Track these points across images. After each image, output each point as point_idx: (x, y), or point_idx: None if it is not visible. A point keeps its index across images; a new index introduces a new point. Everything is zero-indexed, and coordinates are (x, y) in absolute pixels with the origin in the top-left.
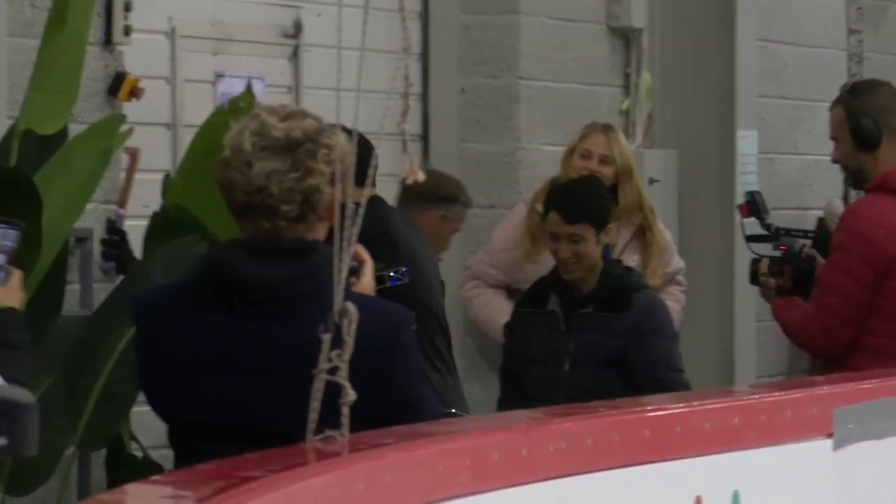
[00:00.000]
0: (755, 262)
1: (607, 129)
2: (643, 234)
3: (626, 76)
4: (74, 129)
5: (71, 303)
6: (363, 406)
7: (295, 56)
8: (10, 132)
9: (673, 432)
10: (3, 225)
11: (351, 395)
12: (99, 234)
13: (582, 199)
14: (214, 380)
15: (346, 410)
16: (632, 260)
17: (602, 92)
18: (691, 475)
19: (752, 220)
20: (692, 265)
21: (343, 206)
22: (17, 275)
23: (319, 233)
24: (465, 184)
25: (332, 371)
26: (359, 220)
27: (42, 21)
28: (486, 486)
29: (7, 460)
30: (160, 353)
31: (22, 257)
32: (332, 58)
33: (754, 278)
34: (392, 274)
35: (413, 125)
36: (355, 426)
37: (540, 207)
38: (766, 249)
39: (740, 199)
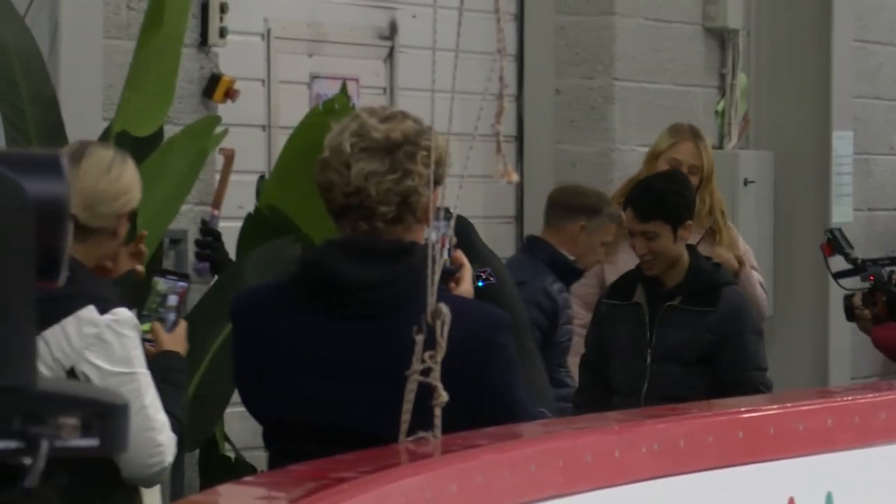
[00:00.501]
0: (848, 298)
1: (696, 135)
2: (712, 235)
3: (722, 77)
4: (169, 131)
5: None
6: (458, 408)
7: (390, 57)
8: (106, 134)
9: (766, 434)
10: (173, 277)
11: (443, 396)
12: (193, 235)
13: (657, 196)
14: (310, 380)
15: (438, 412)
16: None
17: (697, 93)
18: (784, 477)
19: (837, 257)
20: (786, 266)
21: (436, 209)
22: (182, 325)
23: (417, 235)
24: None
25: (425, 372)
26: (453, 224)
27: (138, 23)
28: (579, 488)
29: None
30: (257, 353)
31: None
32: (427, 59)
33: (850, 314)
34: (481, 275)
35: (507, 126)
36: (449, 428)
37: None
38: (854, 283)
39: (836, 200)
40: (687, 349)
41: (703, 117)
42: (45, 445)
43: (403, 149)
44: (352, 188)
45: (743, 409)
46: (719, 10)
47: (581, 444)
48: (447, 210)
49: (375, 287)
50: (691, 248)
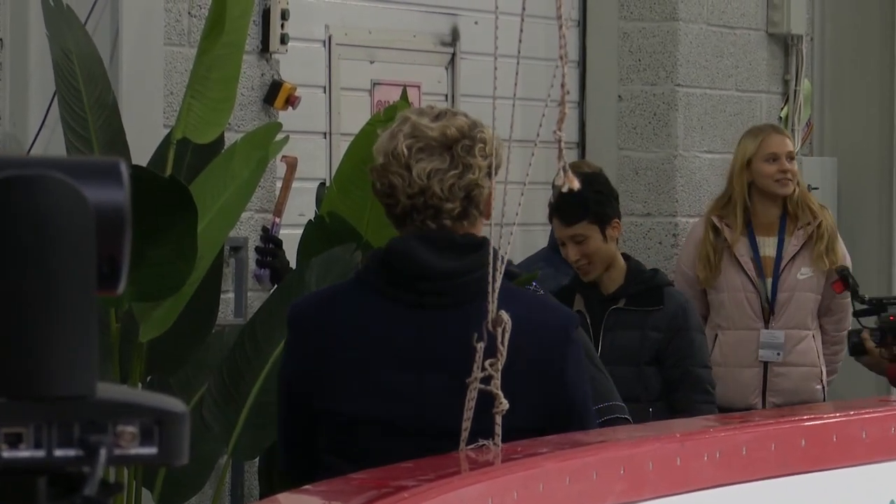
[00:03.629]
0: (857, 335)
1: (776, 127)
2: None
3: (786, 83)
4: (230, 138)
5: (226, 311)
6: (531, 407)
7: (451, 64)
8: (167, 140)
9: (829, 442)
10: None
11: (504, 404)
12: (254, 242)
13: (578, 198)
14: (384, 371)
15: (499, 419)
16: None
17: (761, 99)
18: (847, 485)
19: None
20: (852, 273)
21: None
22: None
23: (479, 228)
24: (622, 192)
25: (486, 380)
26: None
27: (199, 30)
28: (641, 496)
29: (161, 469)
30: (322, 350)
31: (178, 266)
32: (488, 66)
33: (859, 350)
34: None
35: (569, 133)
36: (519, 427)
37: (713, 224)
38: (867, 321)
39: None
40: (638, 349)
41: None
42: (104, 454)
43: (461, 143)
44: (415, 189)
45: (805, 417)
46: (783, 15)
47: (642, 452)
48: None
49: (457, 275)
50: (625, 254)
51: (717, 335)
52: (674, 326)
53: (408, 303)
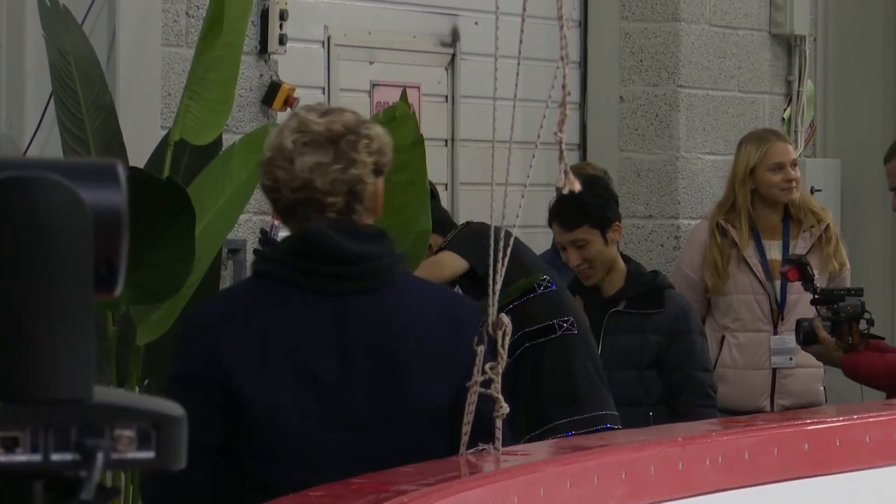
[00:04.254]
0: (809, 323)
1: (779, 134)
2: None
3: (789, 84)
4: (228, 140)
5: None
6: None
7: (451, 65)
8: (164, 142)
9: (832, 446)
10: None
11: (504, 408)
12: (252, 245)
13: (577, 202)
14: (306, 359)
15: (499, 423)
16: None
17: (763, 100)
18: (851, 490)
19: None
20: (854, 275)
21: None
22: None
23: (368, 223)
24: (623, 193)
25: (487, 384)
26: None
27: (196, 30)
28: (642, 500)
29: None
30: (233, 345)
31: (176, 268)
32: (489, 66)
33: (810, 339)
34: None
35: (570, 134)
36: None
37: (720, 228)
38: (810, 311)
39: None
40: (639, 352)
41: (770, 125)
42: (100, 458)
43: (345, 138)
44: (298, 182)
45: (809, 421)
46: (786, 16)
47: (644, 456)
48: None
49: (373, 258)
50: (625, 256)
51: (724, 337)
52: (675, 330)
53: (322, 289)
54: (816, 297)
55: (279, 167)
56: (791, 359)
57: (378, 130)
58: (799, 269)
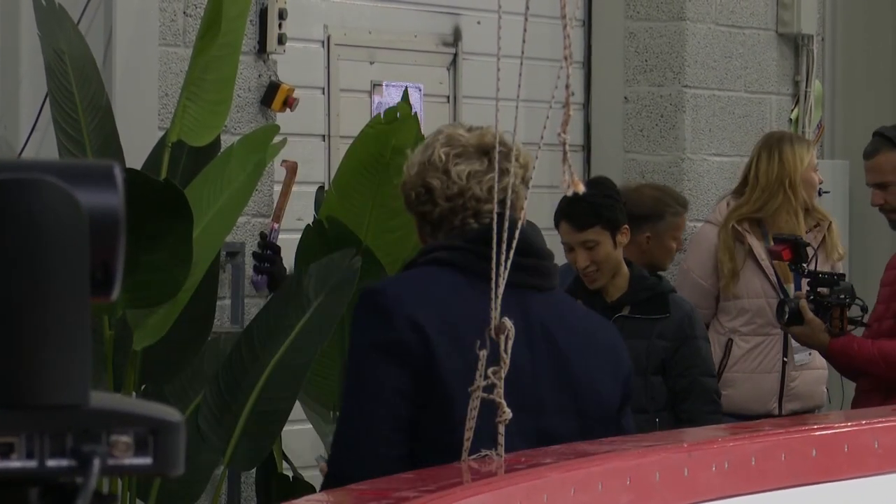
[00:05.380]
0: (795, 302)
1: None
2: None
3: (796, 84)
4: (227, 141)
5: (222, 319)
6: None
7: (453, 65)
8: (161, 143)
9: (840, 452)
10: None
11: (507, 413)
12: (251, 248)
13: (589, 202)
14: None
15: (502, 429)
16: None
17: (771, 100)
18: (859, 496)
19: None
20: (863, 276)
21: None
22: None
23: None
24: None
25: (489, 388)
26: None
27: (194, 30)
28: None
29: (155, 480)
30: (422, 325)
31: (173, 272)
32: (491, 66)
33: (795, 318)
34: None
35: (574, 135)
36: None
37: (736, 232)
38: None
39: None
40: (644, 358)
41: (777, 126)
42: (97, 464)
43: (495, 150)
44: (454, 190)
45: (816, 427)
46: (793, 15)
47: (649, 462)
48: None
49: (552, 258)
50: (627, 260)
51: (730, 340)
52: (680, 335)
53: (509, 282)
54: (807, 278)
55: (433, 177)
56: (810, 353)
57: (520, 145)
58: (793, 247)
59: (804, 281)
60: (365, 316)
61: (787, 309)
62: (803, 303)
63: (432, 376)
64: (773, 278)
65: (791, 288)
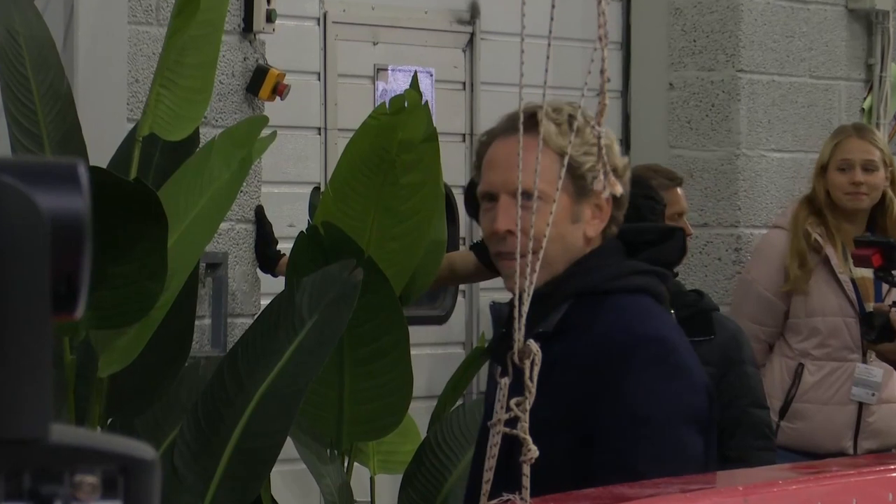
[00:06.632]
0: (883, 316)
1: (860, 130)
2: None
3: (869, 68)
4: (207, 134)
5: (201, 340)
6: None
7: (470, 46)
8: (131, 137)
9: None
10: None
11: (533, 451)
12: (235, 258)
13: (630, 203)
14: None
15: (527, 469)
16: None
17: (839, 87)
18: None
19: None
20: None
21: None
22: None
23: None
24: None
25: (512, 423)
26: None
27: (169, 6)
28: None
29: None
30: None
31: (145, 286)
32: (514, 48)
33: (885, 334)
34: None
35: (611, 128)
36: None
37: (806, 234)
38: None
39: None
40: None
41: (847, 115)
42: None
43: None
44: None
45: (892, 467)
46: None
47: None
48: None
49: None
50: None
51: (801, 365)
52: (727, 360)
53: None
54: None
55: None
56: (874, 394)
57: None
58: (884, 251)
59: (887, 291)
60: (668, 374)
61: (875, 323)
62: (894, 315)
63: None
64: (852, 293)
65: (870, 307)
